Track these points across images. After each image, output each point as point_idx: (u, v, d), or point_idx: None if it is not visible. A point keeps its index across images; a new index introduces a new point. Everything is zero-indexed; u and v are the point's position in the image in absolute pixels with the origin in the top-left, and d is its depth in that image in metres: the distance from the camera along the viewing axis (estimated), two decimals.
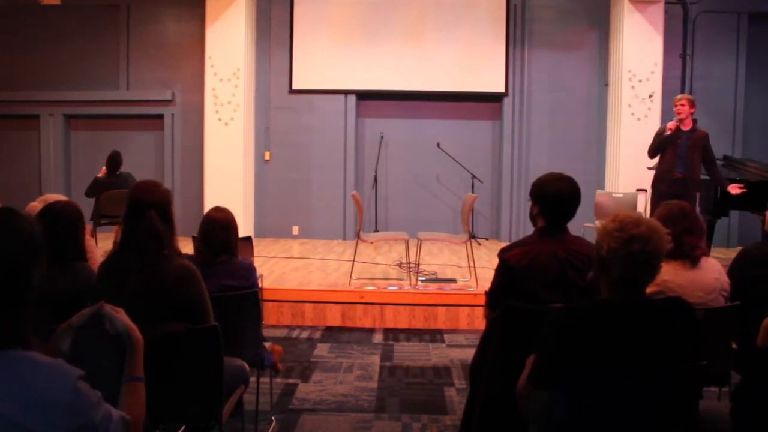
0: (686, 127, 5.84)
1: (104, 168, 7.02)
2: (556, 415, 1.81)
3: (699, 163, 5.82)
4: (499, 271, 2.58)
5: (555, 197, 2.52)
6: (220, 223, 2.94)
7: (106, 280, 2.29)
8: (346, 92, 8.76)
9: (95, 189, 6.88)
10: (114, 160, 7.01)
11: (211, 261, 2.86)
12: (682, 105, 5.79)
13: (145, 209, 2.24)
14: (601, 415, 1.77)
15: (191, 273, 2.28)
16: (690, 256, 2.63)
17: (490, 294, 2.64)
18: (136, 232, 2.22)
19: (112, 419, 1.32)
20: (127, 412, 1.42)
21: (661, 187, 5.84)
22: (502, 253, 2.58)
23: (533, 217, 2.62)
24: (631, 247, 1.71)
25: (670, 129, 5.77)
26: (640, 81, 7.90)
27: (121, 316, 1.56)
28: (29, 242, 1.30)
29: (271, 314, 5.16)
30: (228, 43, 8.07)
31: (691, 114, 5.84)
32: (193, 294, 2.26)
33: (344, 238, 8.78)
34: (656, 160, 6.08)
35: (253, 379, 2.92)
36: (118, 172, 7.01)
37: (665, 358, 1.76)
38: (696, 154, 5.79)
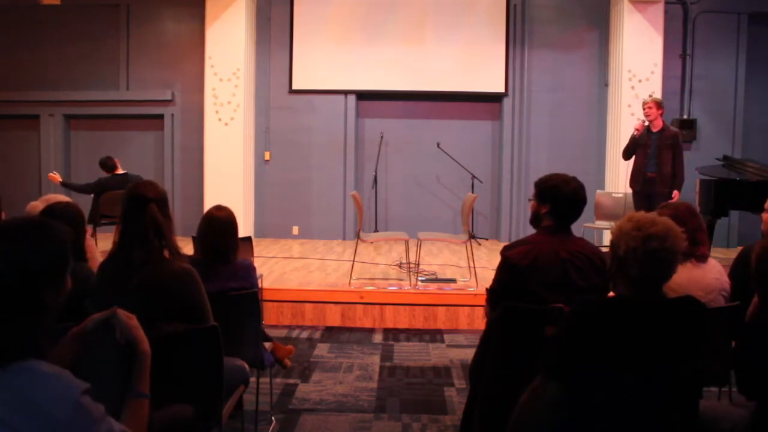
0: (656, 128, 6.07)
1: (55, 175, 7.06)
2: (557, 415, 1.81)
3: (669, 161, 6.00)
4: (501, 269, 2.58)
5: (569, 199, 2.53)
6: (222, 222, 2.90)
7: (107, 279, 2.29)
8: (346, 92, 8.77)
9: (98, 188, 6.86)
10: (111, 162, 7.00)
11: (214, 262, 2.83)
12: (650, 108, 6.04)
13: (146, 203, 2.24)
14: (604, 414, 1.77)
15: (190, 275, 2.28)
16: (702, 255, 2.65)
17: (491, 291, 2.65)
18: (138, 227, 2.22)
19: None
20: (128, 428, 1.40)
21: (635, 187, 6.16)
22: (505, 251, 2.58)
23: (538, 217, 2.61)
24: (650, 245, 1.74)
25: (637, 130, 6.08)
26: (640, 81, 7.90)
27: (133, 323, 1.55)
28: (45, 256, 1.29)
29: (271, 314, 5.16)
30: (228, 43, 8.08)
31: (660, 115, 6.07)
32: (191, 296, 2.26)
33: (344, 238, 8.78)
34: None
35: (253, 379, 2.92)
36: (124, 172, 7.01)
37: (677, 355, 1.77)
38: (666, 153, 6.00)
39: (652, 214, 1.84)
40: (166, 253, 2.26)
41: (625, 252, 1.77)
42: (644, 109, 6.07)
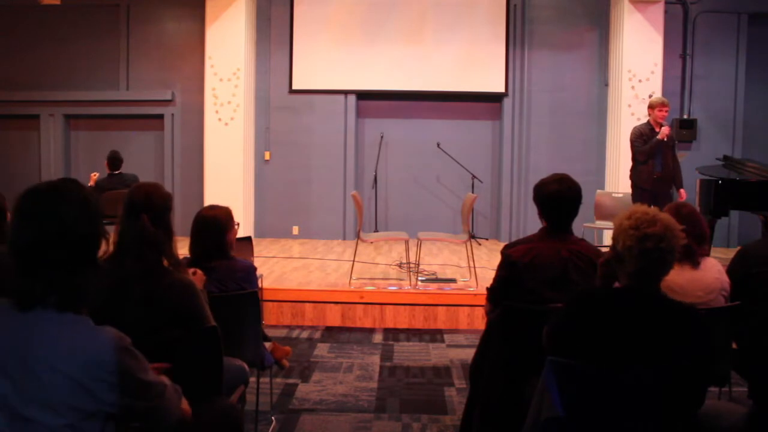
0: (658, 128, 6.17)
1: (95, 175, 7.04)
2: (549, 412, 1.81)
3: (670, 160, 6.18)
4: (502, 267, 2.60)
5: (550, 198, 2.56)
6: (212, 223, 2.83)
7: (104, 284, 2.24)
8: (346, 92, 8.76)
9: (96, 192, 6.86)
10: (115, 160, 7.00)
11: (207, 264, 2.76)
12: (668, 110, 6.20)
13: (138, 213, 2.14)
14: (598, 412, 1.79)
15: (191, 287, 2.20)
16: (689, 258, 2.62)
17: (491, 290, 2.66)
18: (130, 237, 2.14)
19: (167, 384, 1.48)
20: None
21: (645, 186, 6.22)
22: (506, 249, 2.61)
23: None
24: (645, 245, 1.81)
25: (665, 135, 6.10)
26: (640, 81, 7.90)
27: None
28: (92, 209, 1.40)
29: (271, 314, 5.16)
30: (228, 43, 8.07)
31: None
32: (193, 308, 2.19)
33: (344, 238, 8.78)
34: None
35: (253, 379, 2.92)
36: (118, 172, 7.00)
37: (672, 350, 1.81)
38: (668, 152, 6.15)
39: (653, 211, 1.88)
40: (166, 262, 2.17)
41: (623, 248, 1.85)
42: (662, 110, 6.13)
